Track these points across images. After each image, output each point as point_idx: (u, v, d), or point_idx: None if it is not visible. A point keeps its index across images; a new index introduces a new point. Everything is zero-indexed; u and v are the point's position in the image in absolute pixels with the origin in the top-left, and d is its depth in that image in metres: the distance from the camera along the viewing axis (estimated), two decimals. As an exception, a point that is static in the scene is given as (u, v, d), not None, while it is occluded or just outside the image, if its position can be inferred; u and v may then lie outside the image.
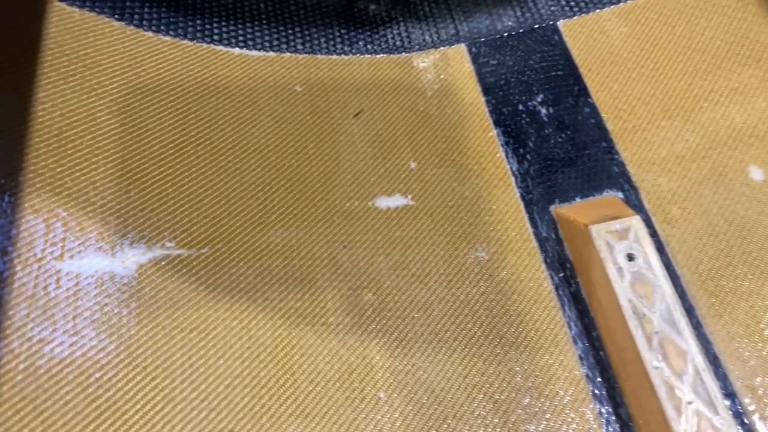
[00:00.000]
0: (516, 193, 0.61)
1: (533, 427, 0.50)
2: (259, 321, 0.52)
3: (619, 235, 0.53)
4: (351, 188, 0.61)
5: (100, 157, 0.57)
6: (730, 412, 0.48)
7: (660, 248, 0.56)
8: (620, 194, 0.60)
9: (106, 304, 0.50)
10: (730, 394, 0.50)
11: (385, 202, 0.60)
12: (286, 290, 0.54)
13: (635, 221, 0.53)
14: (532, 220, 0.59)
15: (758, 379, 0.50)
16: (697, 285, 0.54)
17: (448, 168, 0.63)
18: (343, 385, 0.50)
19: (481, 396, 0.51)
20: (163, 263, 0.53)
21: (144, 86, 0.62)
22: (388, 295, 0.55)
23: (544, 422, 0.50)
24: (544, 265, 0.57)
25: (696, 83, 0.64)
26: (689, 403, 0.45)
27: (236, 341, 0.50)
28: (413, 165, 0.63)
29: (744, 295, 0.53)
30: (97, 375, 0.48)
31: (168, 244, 0.54)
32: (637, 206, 0.59)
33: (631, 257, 0.51)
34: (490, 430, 0.49)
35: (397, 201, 0.61)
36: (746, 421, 0.48)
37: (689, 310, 0.53)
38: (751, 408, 0.49)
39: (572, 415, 0.50)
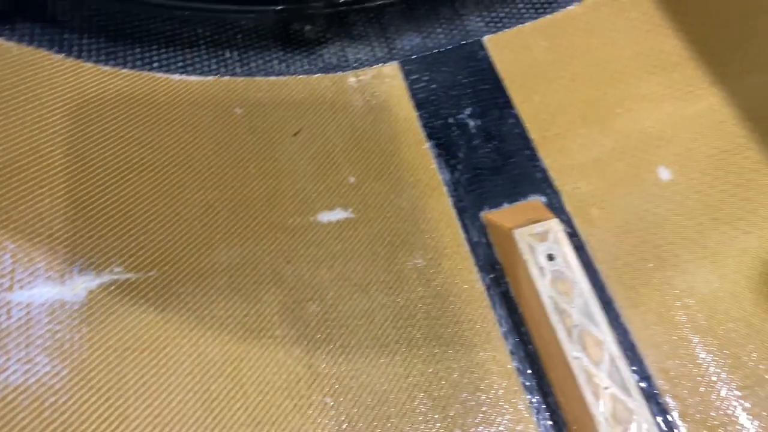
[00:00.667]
0: (449, 202, 0.65)
1: (471, 420, 0.53)
2: (208, 338, 0.54)
3: (540, 237, 0.57)
4: (293, 205, 0.64)
5: (45, 189, 0.59)
6: (646, 394, 0.53)
7: (580, 247, 0.61)
8: (543, 198, 0.65)
9: (58, 331, 0.52)
10: (646, 377, 0.55)
11: (326, 217, 0.64)
12: (232, 307, 0.56)
13: (554, 223, 0.58)
14: (464, 226, 0.63)
15: (670, 362, 0.55)
16: (614, 279, 0.59)
17: (386, 181, 0.67)
18: (291, 393, 0.53)
19: (422, 394, 0.55)
20: (112, 288, 0.55)
21: (86, 116, 0.64)
22: (331, 305, 0.58)
23: (481, 414, 0.54)
24: (476, 268, 0.61)
25: (610, 92, 0.70)
26: (606, 388, 0.50)
27: (186, 358, 0.53)
28: (352, 180, 0.66)
29: (656, 287, 0.58)
30: (52, 399, 0.50)
31: (116, 269, 0.56)
32: (559, 209, 0.63)
33: (551, 257, 0.56)
34: (431, 425, 0.53)
35: (337, 215, 0.64)
36: (660, 400, 0.53)
37: (608, 303, 0.58)
38: (665, 388, 0.54)
39: (506, 407, 0.54)
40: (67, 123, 0.63)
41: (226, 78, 0.72)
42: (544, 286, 0.54)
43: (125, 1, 0.75)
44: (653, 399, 0.53)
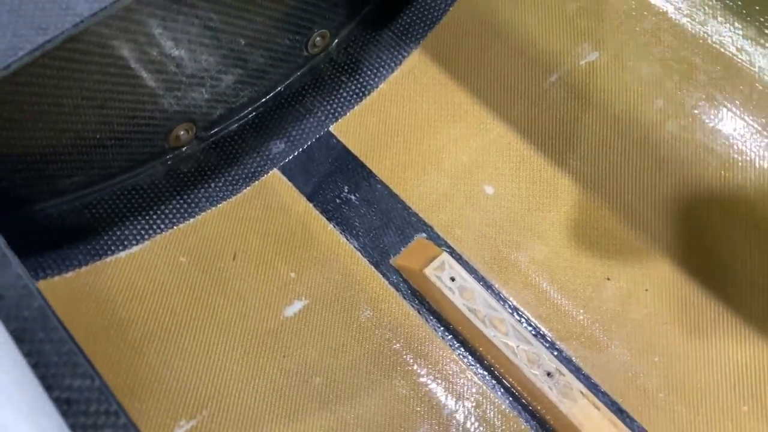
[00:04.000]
0: (366, 262, 0.90)
1: (441, 388, 0.82)
2: None
3: (440, 268, 0.86)
4: (263, 312, 0.85)
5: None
6: (540, 341, 0.84)
7: (459, 258, 0.90)
8: (424, 234, 0.93)
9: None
10: (535, 327, 0.86)
11: (291, 311, 0.86)
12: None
13: (445, 256, 0.86)
14: (384, 275, 0.89)
15: (542, 309, 0.87)
16: (488, 271, 0.90)
17: (316, 265, 0.90)
18: None
19: (417, 402, 0.81)
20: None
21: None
22: (330, 373, 0.82)
23: (444, 383, 0.82)
24: (405, 301, 0.88)
25: (432, 142, 0.98)
26: (517, 346, 0.81)
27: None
28: (293, 275, 0.89)
29: (514, 265, 0.90)
30: None
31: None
32: (436, 237, 0.92)
33: (453, 278, 0.85)
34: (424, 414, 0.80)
35: (297, 306, 0.86)
36: (549, 339, 0.86)
37: (490, 288, 0.89)
38: (551, 334, 0.86)
39: (460, 376, 0.83)
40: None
41: (158, 236, 0.88)
42: (457, 300, 0.83)
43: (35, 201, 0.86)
44: (547, 341, 0.86)
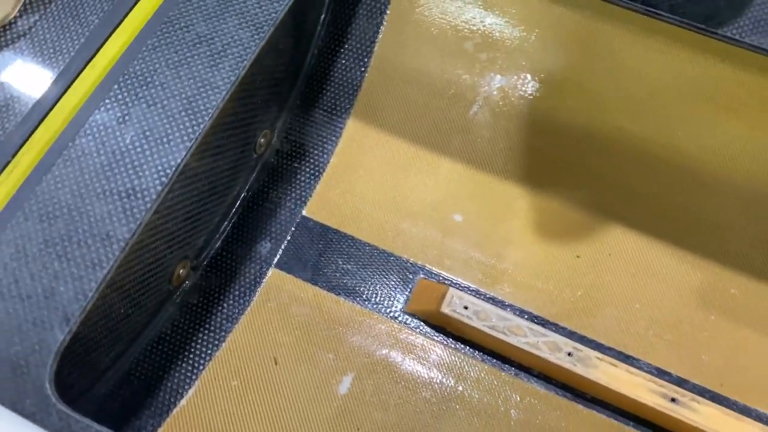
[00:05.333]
0: (386, 318, 1.02)
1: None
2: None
3: (452, 302, 1.00)
4: (320, 401, 0.95)
5: None
6: (550, 329, 1.01)
7: (458, 285, 1.05)
8: (421, 274, 1.06)
9: None
10: (540, 318, 1.03)
11: (343, 388, 0.97)
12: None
13: (452, 290, 1.00)
14: (406, 323, 1.02)
15: (539, 302, 1.04)
16: (486, 287, 1.05)
17: (346, 338, 1.01)
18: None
19: (457, 404, 0.96)
20: None
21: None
22: (388, 414, 0.94)
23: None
24: (434, 340, 1.01)
25: (396, 194, 1.10)
26: (537, 341, 0.97)
27: None
28: (331, 356, 0.99)
29: (502, 273, 1.05)
30: None
31: None
32: (429, 272, 1.05)
33: (466, 307, 0.99)
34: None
35: (346, 383, 0.97)
36: (553, 324, 1.02)
37: (494, 301, 1.04)
38: (552, 319, 1.03)
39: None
40: None
41: (203, 372, 0.95)
42: (477, 323, 0.98)
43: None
44: (550, 325, 1.02)
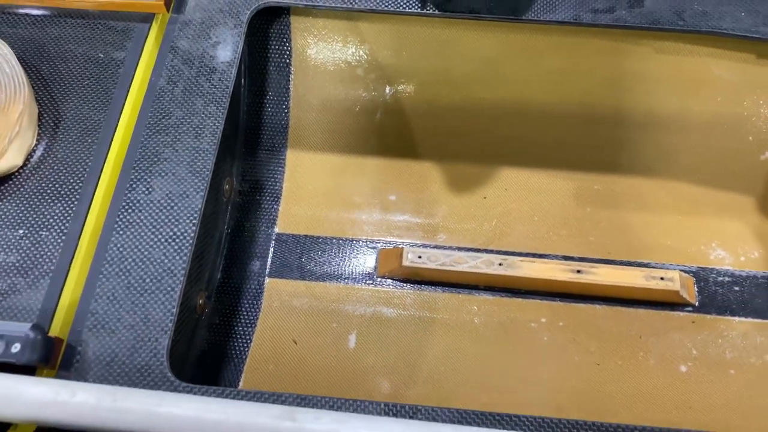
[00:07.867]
0: (368, 287, 1.34)
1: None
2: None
3: (408, 257, 1.32)
4: (339, 357, 1.25)
5: None
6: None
7: (409, 244, 1.38)
8: (380, 245, 1.38)
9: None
10: (486, 250, 1.38)
11: (351, 342, 1.27)
12: None
13: (406, 248, 1.33)
14: (382, 284, 1.34)
15: (473, 236, 1.39)
16: (429, 239, 1.39)
17: (341, 311, 1.31)
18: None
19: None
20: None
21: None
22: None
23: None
24: (405, 288, 1.33)
25: (342, 190, 1.42)
26: (477, 262, 1.31)
27: None
28: (335, 325, 1.29)
29: (435, 226, 1.40)
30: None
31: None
32: (386, 243, 1.38)
33: (420, 257, 1.32)
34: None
35: (352, 340, 1.28)
36: (497, 251, 1.38)
37: (442, 247, 1.38)
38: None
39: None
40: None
41: (240, 382, 1.23)
42: (431, 265, 1.31)
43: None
44: (482, 252, 1.38)
